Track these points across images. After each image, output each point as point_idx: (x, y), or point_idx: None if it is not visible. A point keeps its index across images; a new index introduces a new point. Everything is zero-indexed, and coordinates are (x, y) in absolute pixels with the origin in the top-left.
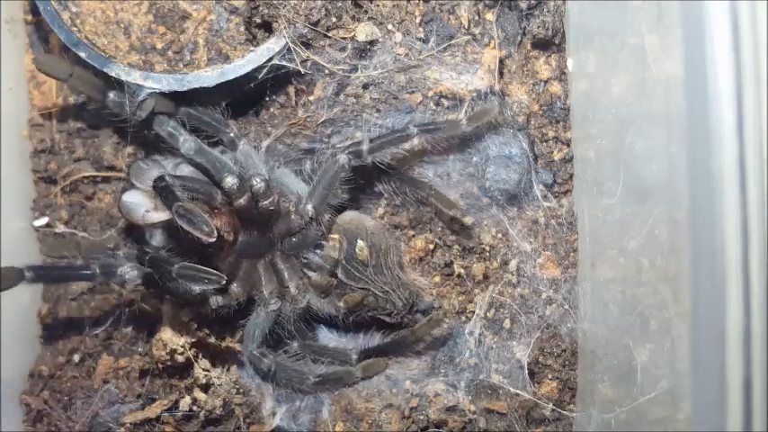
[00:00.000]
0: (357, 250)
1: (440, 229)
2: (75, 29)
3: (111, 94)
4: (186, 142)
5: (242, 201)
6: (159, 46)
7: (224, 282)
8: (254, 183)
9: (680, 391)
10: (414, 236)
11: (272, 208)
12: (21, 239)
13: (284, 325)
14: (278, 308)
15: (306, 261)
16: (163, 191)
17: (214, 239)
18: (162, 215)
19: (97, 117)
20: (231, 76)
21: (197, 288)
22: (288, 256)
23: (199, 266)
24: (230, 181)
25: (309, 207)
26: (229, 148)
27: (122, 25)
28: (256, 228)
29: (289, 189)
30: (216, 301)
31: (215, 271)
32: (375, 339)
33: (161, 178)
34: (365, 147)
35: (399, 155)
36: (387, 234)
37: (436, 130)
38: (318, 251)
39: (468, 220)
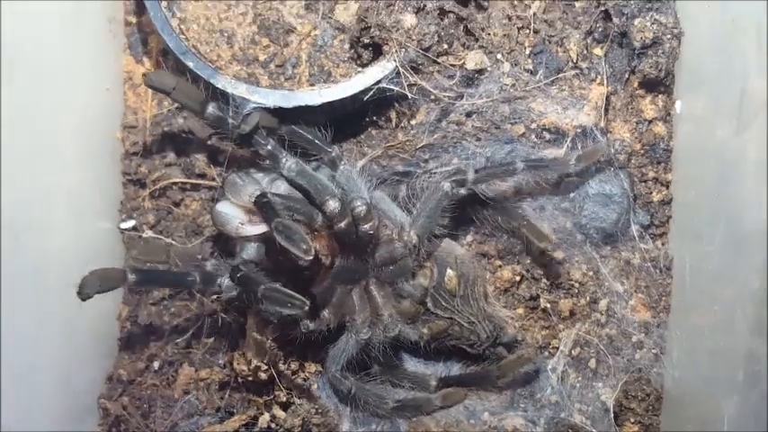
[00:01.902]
0: (446, 279)
1: (528, 261)
2: (182, 37)
3: (210, 108)
4: (288, 162)
5: (342, 225)
6: (262, 58)
7: (307, 307)
8: (356, 206)
9: None
10: (501, 266)
11: (371, 232)
12: (106, 240)
13: (370, 352)
14: (369, 336)
15: (398, 289)
16: (264, 206)
17: (311, 258)
18: (256, 229)
19: (192, 124)
20: (339, 96)
21: (284, 312)
22: (382, 283)
23: (284, 290)
24: (332, 204)
25: (413, 234)
26: (329, 167)
27: (226, 34)
28: (353, 253)
29: (385, 215)
30: (306, 325)
31: (300, 296)
32: (455, 368)
33: (263, 195)
34: (470, 176)
35: (501, 188)
36: (475, 264)
37: (543, 167)
38: (411, 280)
39: (558, 254)
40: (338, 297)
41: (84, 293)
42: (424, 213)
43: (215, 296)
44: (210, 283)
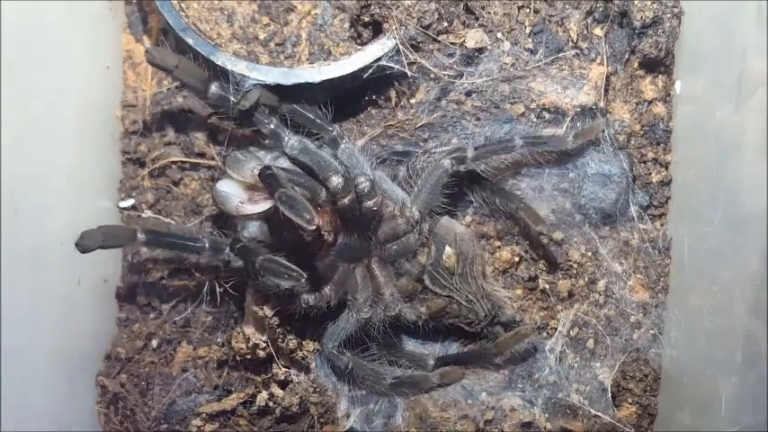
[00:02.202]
0: (444, 257)
1: (527, 242)
2: (182, 14)
3: (213, 87)
4: (291, 140)
5: (346, 201)
6: (261, 36)
7: (304, 279)
8: (360, 182)
9: (762, 428)
10: (500, 246)
11: (375, 208)
12: (106, 220)
13: (369, 331)
14: (370, 316)
15: (397, 266)
16: (268, 178)
17: (314, 228)
18: (257, 207)
19: (192, 102)
20: (339, 73)
21: (281, 284)
22: (385, 262)
23: (282, 261)
24: (336, 180)
25: (415, 210)
26: (330, 146)
27: (226, 12)
28: (357, 230)
29: (387, 194)
30: (306, 300)
31: (297, 268)
32: (452, 347)
33: (268, 167)
34: (470, 153)
35: (501, 165)
36: (474, 242)
37: (542, 144)
38: (411, 257)
39: (557, 235)
40: (340, 274)
41: (83, 246)
42: (425, 190)
43: (221, 264)
44: (220, 251)
